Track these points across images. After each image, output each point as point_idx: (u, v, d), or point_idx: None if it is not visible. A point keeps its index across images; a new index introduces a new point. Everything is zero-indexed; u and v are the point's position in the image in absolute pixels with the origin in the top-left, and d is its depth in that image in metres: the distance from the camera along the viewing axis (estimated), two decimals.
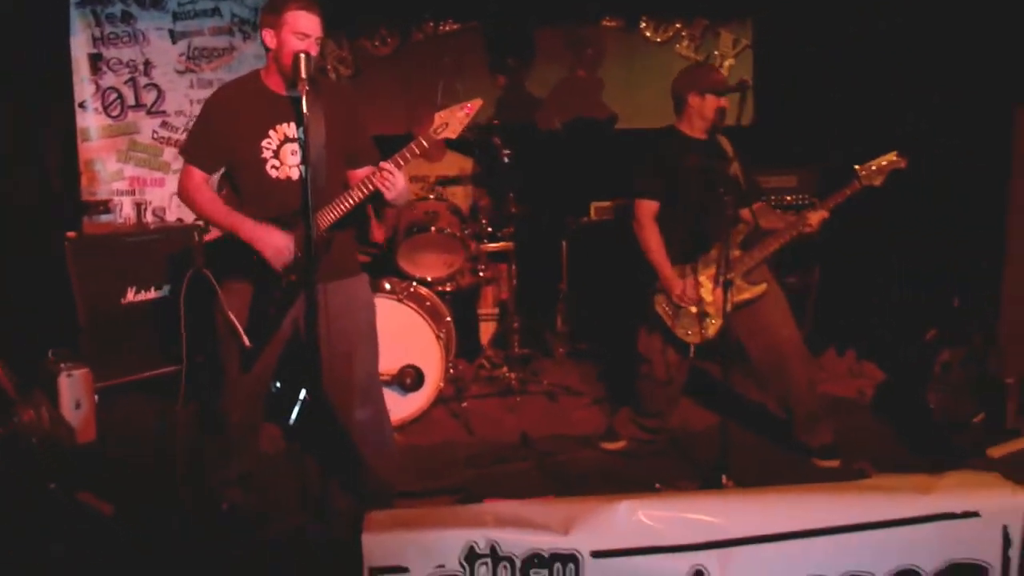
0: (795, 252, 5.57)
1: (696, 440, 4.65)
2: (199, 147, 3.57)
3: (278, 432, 4.73)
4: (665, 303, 4.30)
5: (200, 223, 5.95)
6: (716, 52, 7.07)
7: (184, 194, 3.56)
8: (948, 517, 2.67)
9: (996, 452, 4.24)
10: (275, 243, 3.43)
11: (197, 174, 3.53)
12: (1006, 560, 2.69)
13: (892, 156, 4.11)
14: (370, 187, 3.39)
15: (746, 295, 4.22)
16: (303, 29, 3.32)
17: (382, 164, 3.36)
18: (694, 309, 4.23)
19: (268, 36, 3.38)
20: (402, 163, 3.37)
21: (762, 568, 2.62)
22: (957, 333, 4.65)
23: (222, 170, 3.61)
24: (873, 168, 4.10)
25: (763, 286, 4.26)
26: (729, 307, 3.97)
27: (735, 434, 4.31)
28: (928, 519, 2.66)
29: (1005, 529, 2.68)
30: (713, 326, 4.21)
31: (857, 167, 4.13)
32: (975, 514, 2.67)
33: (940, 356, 4.51)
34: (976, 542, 2.69)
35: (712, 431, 4.36)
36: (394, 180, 3.35)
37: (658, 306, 4.32)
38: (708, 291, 4.19)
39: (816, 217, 4.16)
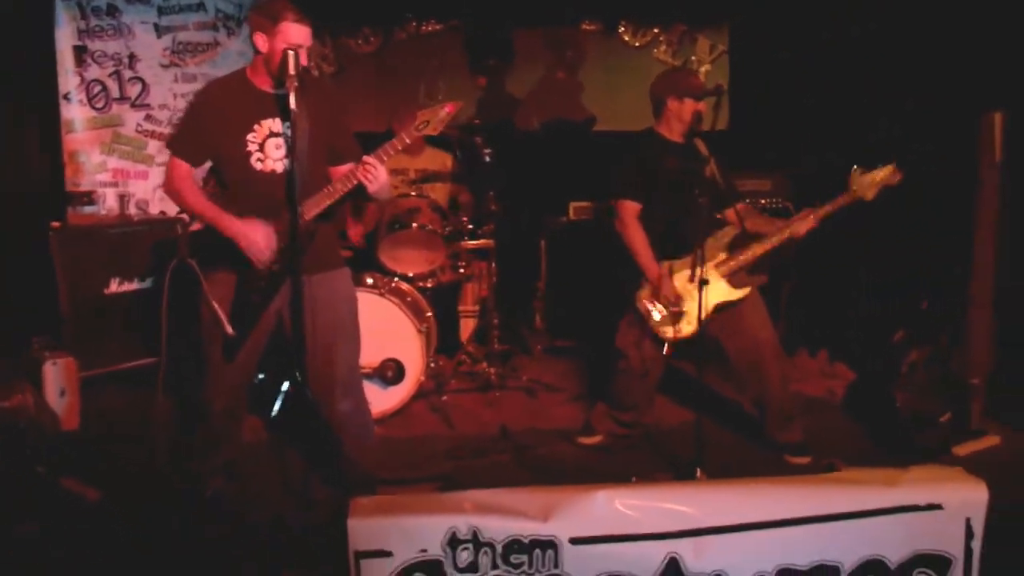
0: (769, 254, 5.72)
1: (671, 436, 4.70)
2: (186, 141, 3.62)
3: (260, 423, 4.76)
4: (647, 300, 4.35)
5: (183, 216, 5.99)
6: (693, 57, 7.15)
7: (169, 186, 3.61)
8: (913, 509, 2.73)
9: (962, 450, 4.33)
10: (254, 239, 3.49)
11: (183, 167, 3.59)
12: (968, 551, 2.77)
13: (889, 169, 4.15)
14: (354, 181, 3.45)
15: (729, 297, 4.29)
16: (296, 40, 3.41)
17: (365, 158, 3.43)
18: (675, 308, 4.28)
19: (260, 40, 3.45)
20: (384, 158, 3.44)
21: (734, 556, 2.68)
22: (924, 334, 4.73)
23: (208, 164, 3.66)
24: (867, 181, 4.14)
25: (747, 289, 4.32)
26: (710, 307, 4.06)
27: (709, 431, 4.37)
28: (894, 511, 2.73)
29: (968, 521, 2.75)
30: (691, 325, 4.27)
31: (854, 171, 4.16)
32: (938, 507, 2.74)
33: (907, 357, 4.59)
34: (940, 534, 2.76)
35: (687, 427, 4.42)
36: (376, 174, 3.42)
37: (639, 303, 4.37)
38: (687, 290, 4.25)
39: (805, 227, 4.22)
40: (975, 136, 4.90)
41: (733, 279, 4.32)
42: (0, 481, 3.38)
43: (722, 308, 4.29)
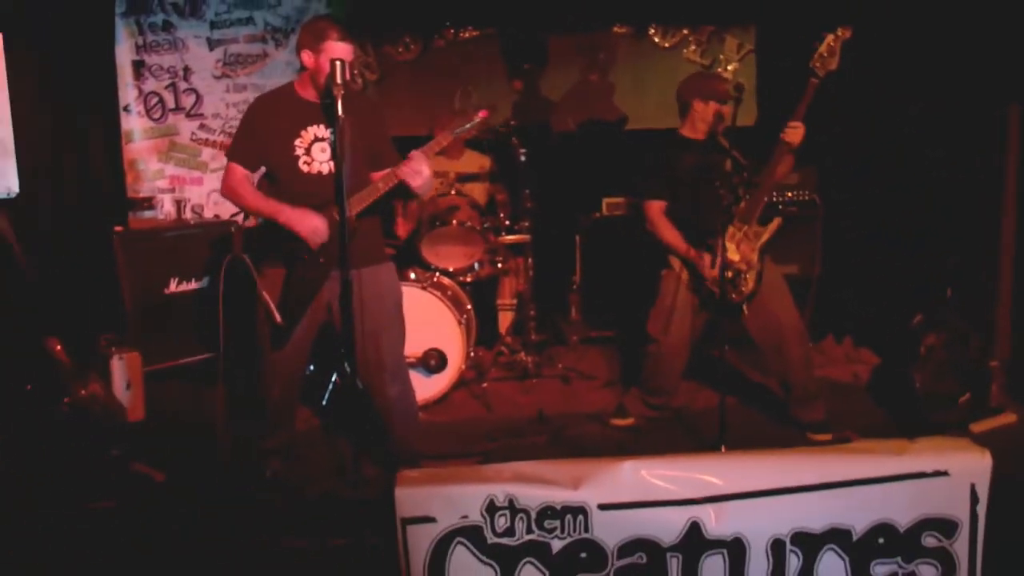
0: (796, 243, 5.84)
1: (699, 417, 4.86)
2: (241, 148, 3.89)
3: (311, 413, 4.98)
4: (707, 285, 4.47)
5: (237, 219, 6.24)
6: (721, 56, 7.24)
7: (228, 189, 3.86)
8: (921, 476, 2.84)
9: (978, 427, 4.43)
10: (311, 223, 3.72)
11: (239, 171, 3.85)
12: (974, 515, 2.88)
13: (830, 37, 4.20)
14: (395, 179, 3.66)
15: (766, 236, 4.42)
16: (339, 55, 3.62)
17: (411, 153, 3.64)
18: (729, 273, 4.33)
19: (307, 57, 3.71)
20: (429, 155, 3.65)
21: (752, 520, 2.81)
22: (943, 319, 4.84)
23: (262, 170, 3.90)
24: (824, 53, 4.19)
25: (777, 220, 4.44)
26: (755, 256, 4.26)
27: (735, 412, 4.53)
28: (903, 478, 2.84)
29: (973, 487, 2.86)
30: (750, 279, 4.39)
31: (810, 64, 4.21)
32: (945, 473, 2.84)
33: (926, 339, 4.71)
34: (947, 499, 2.86)
35: (714, 410, 4.49)
36: (420, 168, 3.62)
37: (703, 287, 4.48)
38: (733, 252, 4.33)
39: (793, 134, 4.27)
40: (997, 128, 5.00)
41: (760, 219, 4.43)
42: (79, 462, 3.59)
43: (765, 249, 4.44)
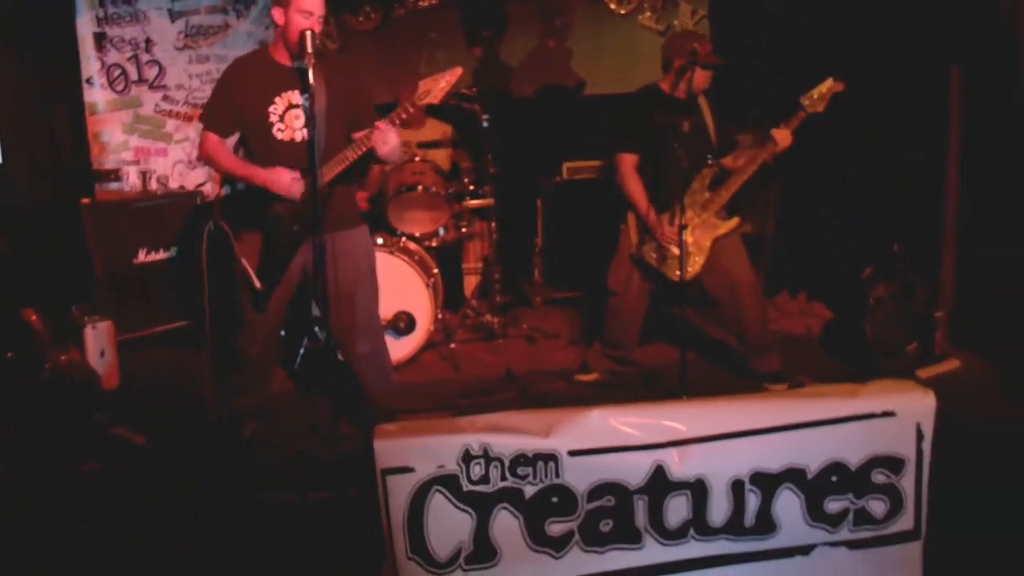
0: (752, 202, 5.97)
1: (660, 372, 4.99)
2: (215, 114, 3.92)
3: (283, 376, 5.05)
4: (652, 250, 4.61)
5: (202, 189, 6.28)
6: (676, 22, 7.32)
7: (204, 154, 3.91)
8: (869, 417, 2.96)
9: (924, 373, 4.62)
10: (284, 180, 3.79)
11: (213, 137, 3.89)
12: (920, 452, 3.01)
13: (829, 82, 4.41)
14: (365, 146, 3.72)
15: (723, 230, 4.55)
16: (308, 7, 3.64)
17: (377, 123, 3.70)
18: (677, 251, 4.44)
19: (277, 14, 3.70)
20: (396, 122, 3.71)
21: (713, 462, 2.93)
22: (891, 271, 5.01)
23: (237, 136, 3.94)
24: (815, 96, 4.41)
25: (736, 219, 4.58)
26: (707, 243, 4.35)
27: (695, 366, 4.67)
28: (853, 419, 2.96)
29: (918, 426, 2.99)
30: (696, 263, 4.52)
31: (801, 98, 4.43)
32: (892, 414, 2.97)
33: (875, 291, 4.88)
34: (894, 437, 2.99)
35: (674, 365, 4.61)
36: (387, 137, 3.68)
37: (647, 255, 4.62)
38: (687, 234, 4.42)
39: (783, 138, 4.45)
40: (943, 88, 5.14)
41: (720, 213, 4.57)
42: (63, 427, 3.66)
43: (720, 240, 4.56)
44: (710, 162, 4.59)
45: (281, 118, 3.83)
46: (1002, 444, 3.76)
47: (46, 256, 5.34)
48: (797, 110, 4.44)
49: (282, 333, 5.08)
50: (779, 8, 6.63)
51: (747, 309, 4.63)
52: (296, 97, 3.81)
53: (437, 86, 3.74)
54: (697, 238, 4.47)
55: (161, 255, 5.80)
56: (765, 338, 4.72)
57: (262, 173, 3.79)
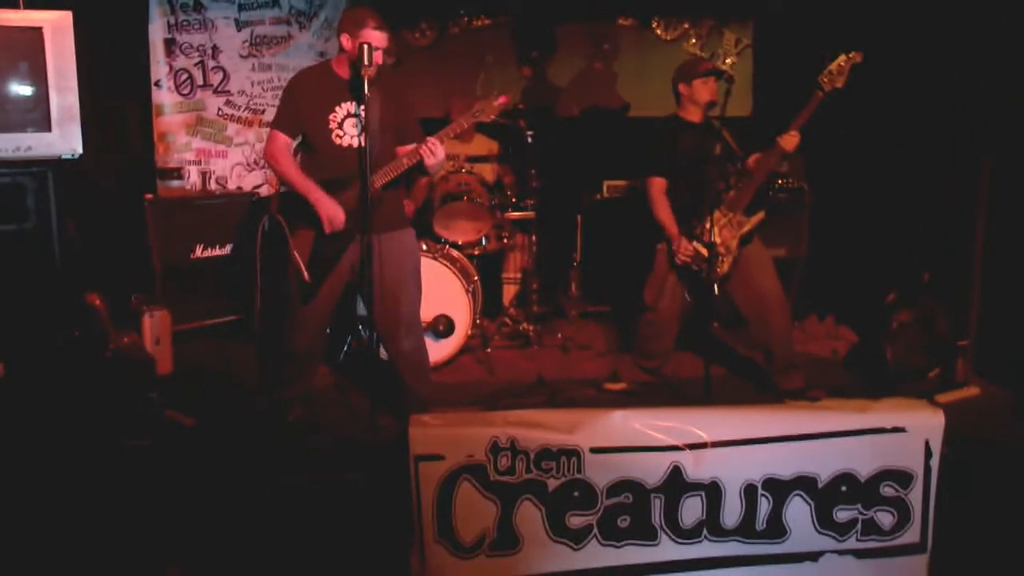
0: (785, 227, 6.07)
1: (686, 385, 5.07)
2: (284, 117, 4.15)
3: (327, 371, 5.23)
4: (689, 258, 4.70)
5: (257, 191, 6.49)
6: (720, 50, 7.45)
7: (269, 155, 4.13)
8: (880, 431, 3.06)
9: (943, 398, 4.65)
10: (331, 213, 4.00)
11: (282, 138, 4.11)
12: (928, 468, 3.10)
13: (843, 57, 4.35)
14: (417, 156, 3.92)
15: (747, 227, 4.66)
16: (373, 41, 3.88)
17: (428, 138, 3.90)
18: (706, 252, 4.57)
19: (346, 40, 3.97)
20: (444, 139, 3.92)
21: (728, 466, 3.04)
22: (917, 299, 5.08)
23: (299, 138, 4.16)
24: (833, 71, 4.35)
25: (761, 214, 4.67)
26: (735, 243, 4.47)
27: (719, 381, 4.79)
28: (864, 432, 3.06)
29: (927, 443, 3.08)
30: (726, 263, 4.62)
31: (818, 78, 4.37)
32: (902, 429, 3.06)
33: (899, 315, 4.95)
34: (903, 452, 3.08)
35: (700, 379, 4.70)
36: (436, 150, 3.88)
37: (684, 263, 4.73)
38: (715, 235, 4.50)
39: (789, 142, 4.48)
40: (979, 128, 5.20)
41: (747, 210, 4.66)
42: (120, 404, 3.84)
43: (747, 238, 4.67)
44: (737, 165, 4.67)
45: (340, 125, 4.06)
46: (1013, 466, 3.82)
47: (111, 246, 5.53)
48: (814, 92, 4.39)
49: (327, 330, 5.32)
50: (822, 41, 6.70)
51: (775, 324, 4.72)
52: (353, 107, 4.06)
53: (489, 106, 3.99)
54: (725, 237, 4.57)
55: (217, 251, 6.00)
56: (791, 356, 4.81)
57: (317, 193, 4.01)
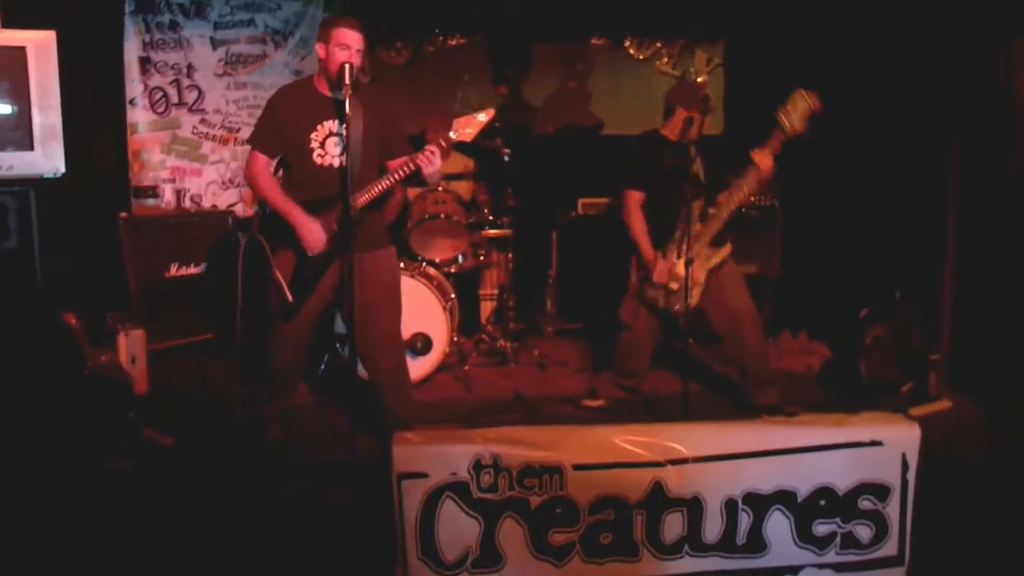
0: (757, 244, 6.13)
1: (664, 402, 5.12)
2: (263, 136, 4.11)
3: (305, 389, 5.21)
4: (651, 289, 4.75)
5: (233, 210, 6.46)
6: (692, 69, 7.53)
7: (249, 175, 4.09)
8: (858, 445, 3.08)
9: (916, 412, 4.71)
10: (313, 234, 3.96)
11: (261, 158, 4.08)
12: (905, 481, 3.11)
13: (796, 95, 4.26)
14: (411, 166, 3.89)
15: (716, 259, 4.68)
16: (345, 41, 3.85)
17: (427, 146, 3.87)
18: (675, 286, 4.65)
19: (320, 49, 3.92)
20: (443, 145, 3.88)
21: (709, 481, 3.04)
22: (889, 314, 5.15)
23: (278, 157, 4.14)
24: (789, 111, 4.28)
25: (727, 247, 4.70)
26: (702, 275, 4.47)
27: (696, 398, 4.81)
28: (842, 446, 3.08)
29: (904, 456, 3.10)
30: (694, 295, 4.61)
31: (777, 111, 4.31)
32: (879, 443, 3.09)
33: (872, 331, 5.02)
34: (880, 466, 3.10)
35: (677, 395, 4.78)
36: (434, 159, 3.87)
37: (649, 291, 4.78)
38: (681, 267, 4.55)
39: (765, 164, 4.42)
40: (946, 152, 5.29)
41: (715, 241, 4.68)
42: (98, 425, 3.81)
43: (715, 269, 4.69)
44: (701, 198, 4.71)
45: (322, 144, 4.01)
46: (984, 478, 3.88)
47: (85, 264, 5.48)
48: (776, 128, 4.37)
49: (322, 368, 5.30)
50: (792, 60, 6.81)
51: (748, 341, 4.76)
52: (335, 126, 4.00)
53: (471, 124, 3.94)
54: (693, 270, 4.59)
55: (192, 270, 5.98)
56: (766, 372, 4.86)
57: (296, 214, 3.96)
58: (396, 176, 3.93)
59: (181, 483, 3.83)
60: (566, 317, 6.82)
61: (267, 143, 4.10)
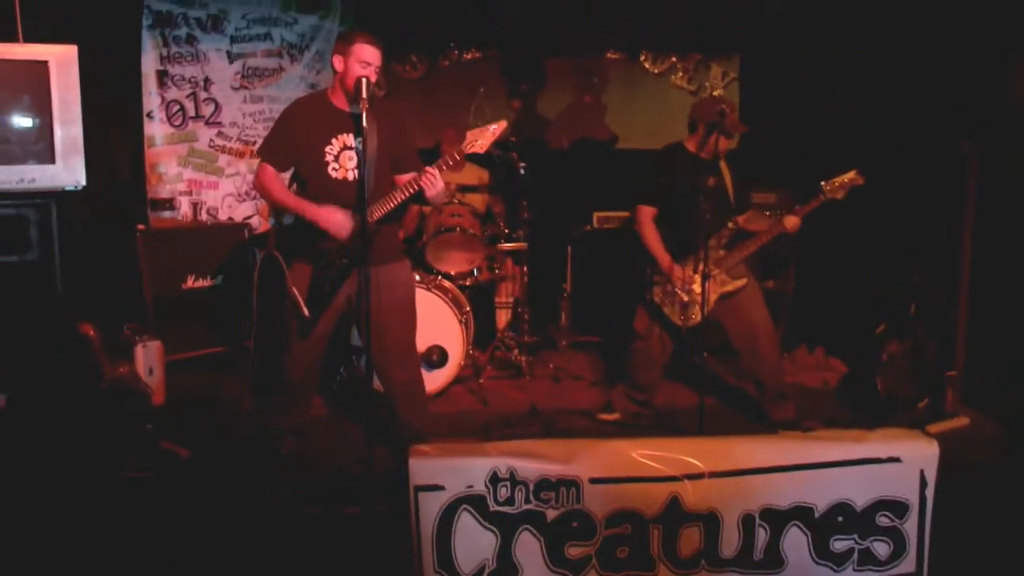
0: (773, 260, 6.13)
1: (679, 415, 5.09)
2: (273, 148, 4.11)
3: (320, 402, 5.22)
4: (660, 293, 4.78)
5: (249, 222, 6.50)
6: (707, 83, 7.56)
7: (259, 184, 4.10)
8: (876, 462, 3.09)
9: (933, 428, 4.69)
10: (335, 219, 3.96)
11: (270, 170, 4.08)
12: (923, 498, 3.13)
13: (852, 174, 4.60)
14: (414, 187, 3.91)
15: (729, 287, 4.71)
16: (366, 58, 3.87)
17: (426, 168, 3.89)
18: (685, 297, 4.68)
19: (338, 62, 3.93)
20: (443, 168, 3.90)
21: (726, 497, 3.06)
22: (906, 330, 5.13)
23: (291, 170, 4.15)
24: (836, 184, 4.59)
25: (743, 280, 4.74)
26: (713, 297, 4.49)
27: (712, 411, 4.79)
28: (860, 463, 3.09)
29: (922, 473, 3.11)
30: (698, 313, 4.63)
31: (823, 183, 4.61)
32: (897, 460, 3.10)
33: (888, 347, 5.01)
34: (898, 482, 3.12)
35: (693, 409, 4.74)
36: (435, 181, 3.88)
37: (656, 296, 4.80)
38: (696, 283, 4.61)
39: (792, 223, 4.66)
40: (956, 159, 5.30)
41: (732, 272, 4.73)
42: (117, 436, 3.83)
43: (724, 297, 4.71)
44: (730, 224, 4.74)
45: (336, 158, 4.02)
46: (1002, 495, 3.86)
47: (102, 276, 5.52)
48: (817, 194, 4.65)
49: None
50: (807, 74, 6.82)
51: (765, 357, 4.76)
52: (351, 139, 4.01)
53: (483, 136, 3.93)
54: (705, 290, 4.61)
55: (208, 282, 6.02)
56: (782, 387, 4.85)
57: (314, 209, 3.95)
58: (404, 194, 3.94)
59: (197, 494, 3.84)
60: (581, 330, 6.82)
61: (277, 155, 4.10)
